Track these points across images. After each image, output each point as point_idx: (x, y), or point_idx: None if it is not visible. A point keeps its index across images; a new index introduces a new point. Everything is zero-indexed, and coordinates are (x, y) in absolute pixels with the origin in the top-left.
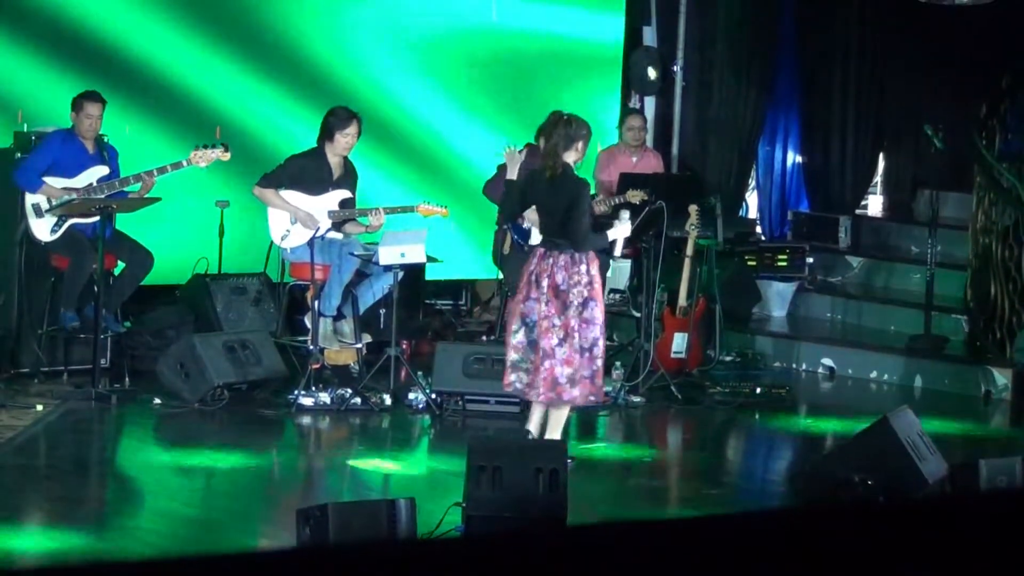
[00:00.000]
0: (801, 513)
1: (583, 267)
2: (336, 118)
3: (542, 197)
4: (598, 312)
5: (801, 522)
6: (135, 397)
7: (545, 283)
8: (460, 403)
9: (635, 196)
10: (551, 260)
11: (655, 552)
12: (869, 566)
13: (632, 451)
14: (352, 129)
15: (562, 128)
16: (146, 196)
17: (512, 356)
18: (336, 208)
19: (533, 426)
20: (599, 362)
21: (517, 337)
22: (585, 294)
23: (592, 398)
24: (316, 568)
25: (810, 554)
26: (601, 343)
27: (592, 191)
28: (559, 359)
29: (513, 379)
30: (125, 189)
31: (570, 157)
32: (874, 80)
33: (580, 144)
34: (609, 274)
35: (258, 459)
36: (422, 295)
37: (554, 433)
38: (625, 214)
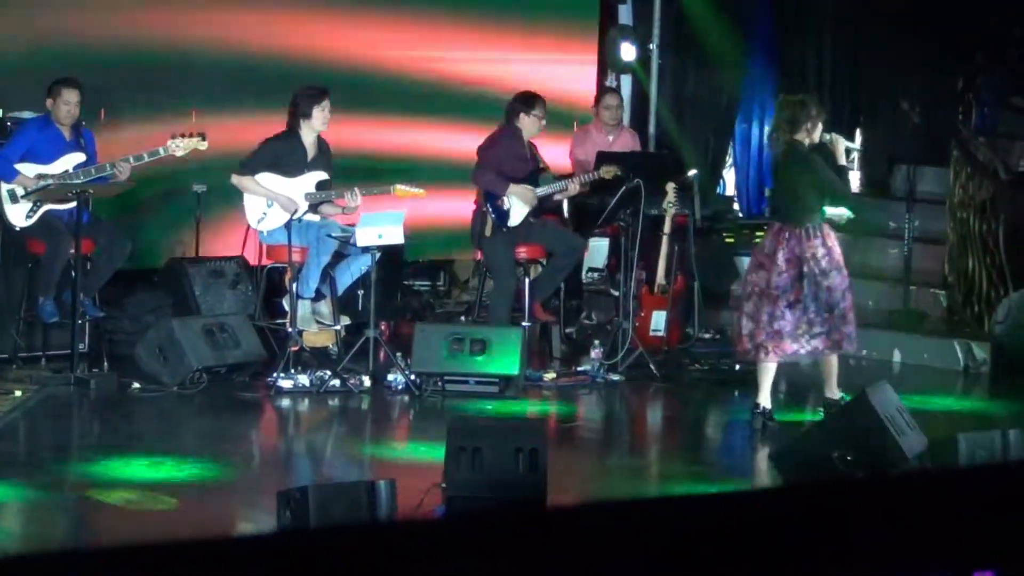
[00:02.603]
0: (783, 491)
1: (817, 240)
2: (309, 95)
3: (775, 180)
4: (838, 279)
5: (783, 500)
6: (114, 382)
7: (781, 256)
8: (439, 384)
9: (608, 172)
10: (786, 234)
11: (635, 531)
12: (850, 542)
13: (612, 429)
14: (327, 102)
15: (787, 111)
16: (116, 181)
17: (747, 325)
18: (313, 190)
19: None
20: (845, 322)
21: (749, 306)
22: (824, 265)
23: (839, 349)
24: (295, 551)
25: (793, 532)
26: (843, 304)
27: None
28: (788, 320)
29: (749, 347)
30: (104, 175)
31: (801, 137)
32: (849, 56)
33: (808, 124)
34: (587, 253)
35: (237, 442)
36: (400, 276)
37: (764, 394)
38: (841, 141)
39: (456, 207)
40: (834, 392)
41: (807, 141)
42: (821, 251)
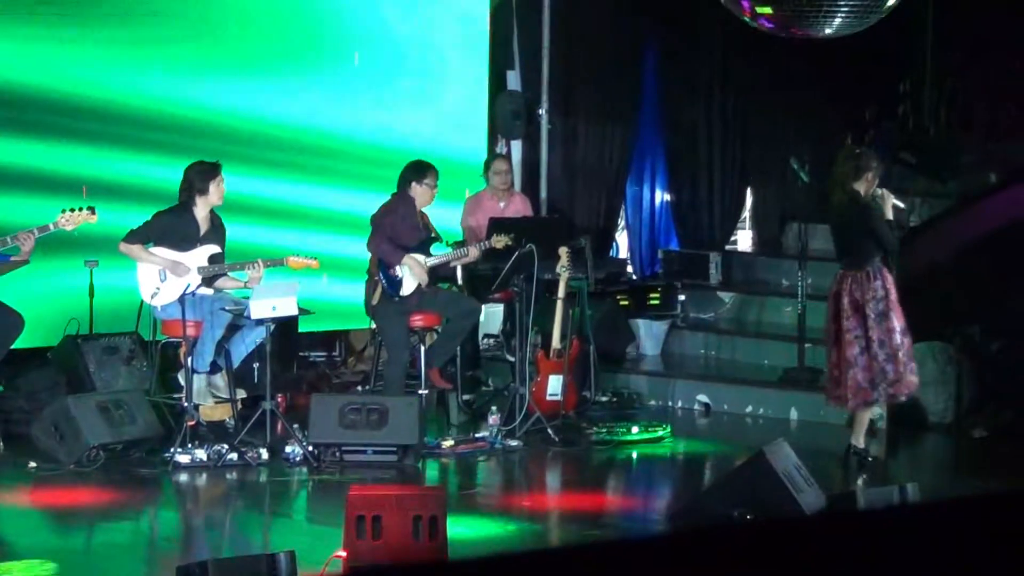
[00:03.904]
0: (681, 538)
1: (878, 283)
2: (203, 170)
3: (836, 226)
4: (895, 322)
5: (681, 547)
6: (10, 461)
7: (846, 300)
8: (337, 454)
9: (499, 241)
10: (848, 279)
11: None
12: None
13: (511, 495)
14: (221, 176)
15: (852, 161)
16: (15, 259)
17: (833, 373)
18: (205, 264)
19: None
20: (906, 363)
21: (832, 356)
22: (881, 307)
23: (905, 392)
24: None
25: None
26: (906, 344)
27: (462, 237)
28: (860, 367)
29: (837, 393)
30: (6, 248)
31: (860, 187)
32: (738, 115)
33: (869, 175)
34: (482, 319)
35: (136, 518)
36: (295, 347)
37: (858, 435)
38: (890, 197)
39: (350, 277)
40: (860, 440)
41: (863, 191)
42: (880, 293)
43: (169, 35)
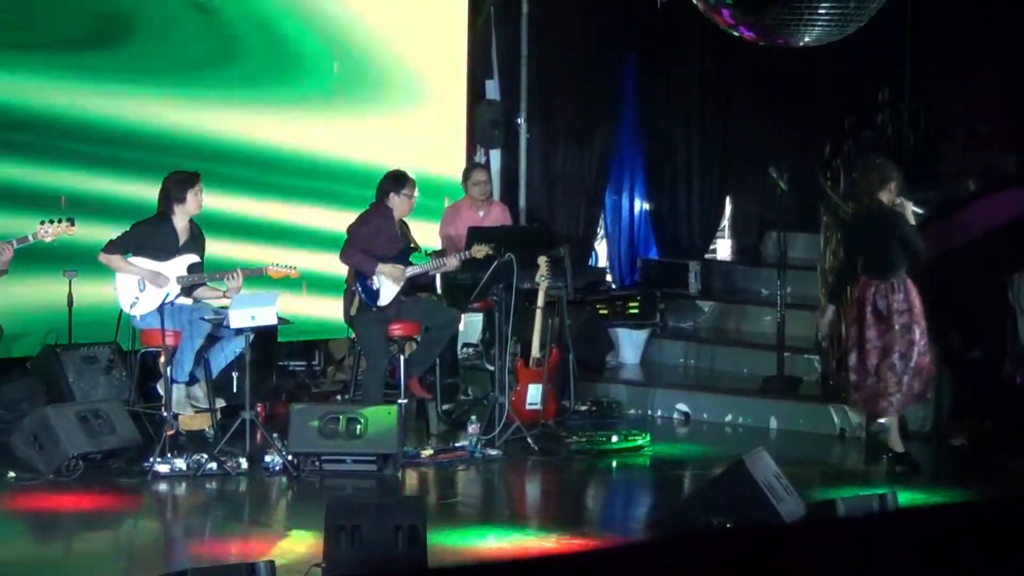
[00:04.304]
0: (660, 546)
1: (901, 295)
2: (182, 180)
3: (862, 236)
4: (917, 334)
5: (661, 556)
6: None
7: (868, 309)
8: (317, 464)
9: (480, 251)
10: (872, 289)
11: None
12: None
13: (491, 504)
14: (200, 185)
15: (876, 172)
16: None
17: (852, 377)
18: (184, 273)
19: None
20: (924, 372)
21: (851, 360)
22: (905, 319)
23: (928, 396)
24: None
25: None
26: (927, 357)
27: (440, 248)
28: (878, 377)
29: (855, 397)
30: None
31: (884, 196)
32: (717, 124)
33: (892, 185)
34: (461, 328)
35: (116, 528)
36: (275, 357)
37: (894, 441)
38: (909, 205)
39: (330, 287)
40: (899, 445)
41: (886, 200)
42: (904, 306)
43: (148, 56)
